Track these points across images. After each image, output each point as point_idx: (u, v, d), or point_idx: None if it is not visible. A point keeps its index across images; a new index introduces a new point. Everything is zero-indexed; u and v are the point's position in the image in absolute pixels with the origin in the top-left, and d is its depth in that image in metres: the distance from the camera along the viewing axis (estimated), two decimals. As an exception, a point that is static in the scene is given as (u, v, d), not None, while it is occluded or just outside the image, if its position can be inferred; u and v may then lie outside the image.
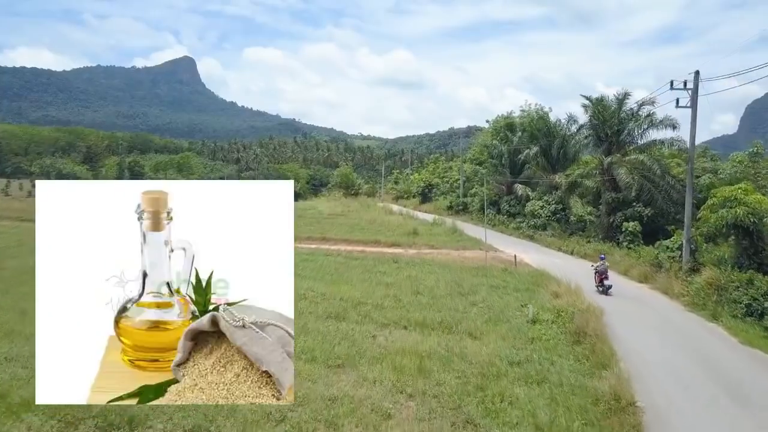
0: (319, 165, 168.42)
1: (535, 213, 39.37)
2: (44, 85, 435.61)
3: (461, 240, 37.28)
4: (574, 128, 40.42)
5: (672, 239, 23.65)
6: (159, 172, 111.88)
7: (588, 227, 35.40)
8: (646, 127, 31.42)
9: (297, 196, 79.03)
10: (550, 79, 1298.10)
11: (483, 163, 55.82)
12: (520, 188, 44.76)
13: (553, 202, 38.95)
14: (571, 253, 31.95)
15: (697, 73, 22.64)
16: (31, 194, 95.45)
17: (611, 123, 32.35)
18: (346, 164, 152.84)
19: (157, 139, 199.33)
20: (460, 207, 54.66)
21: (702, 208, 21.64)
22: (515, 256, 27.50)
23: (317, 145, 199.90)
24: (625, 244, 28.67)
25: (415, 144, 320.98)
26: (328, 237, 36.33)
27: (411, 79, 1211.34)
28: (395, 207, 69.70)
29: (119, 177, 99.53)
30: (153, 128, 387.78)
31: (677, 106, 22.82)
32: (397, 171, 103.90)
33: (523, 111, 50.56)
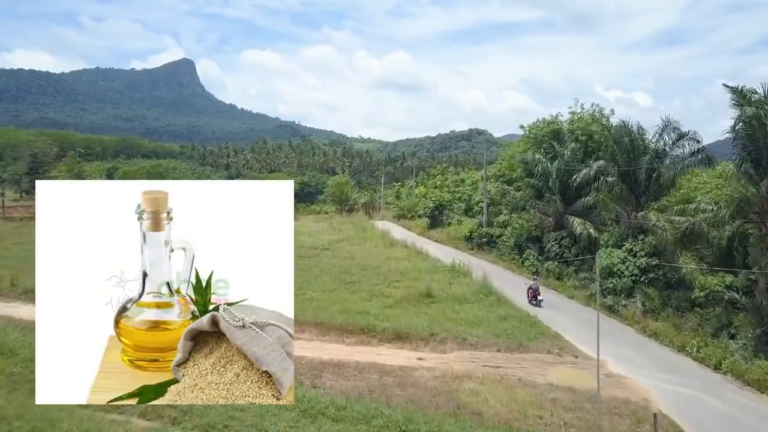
0: (315, 171, 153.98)
1: (615, 269, 25.00)
2: (42, 87, 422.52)
3: (507, 317, 22.86)
4: (663, 137, 26.23)
5: None
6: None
7: (718, 307, 20.94)
8: None
9: (280, 215, 64.58)
10: (549, 81, 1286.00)
11: (514, 182, 41.47)
12: (577, 223, 30.45)
13: (643, 253, 24.60)
14: (716, 368, 17.53)
15: None
16: (1, 204, 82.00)
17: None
18: (343, 171, 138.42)
19: (147, 143, 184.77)
20: (484, 239, 40.26)
21: None
22: (655, 415, 12.97)
23: (313, 149, 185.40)
24: None
25: (416, 147, 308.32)
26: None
27: (410, 81, 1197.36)
28: (398, 231, 55.32)
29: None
30: (151, 130, 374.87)
31: None
32: (399, 184, 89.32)
33: (572, 114, 36.23)
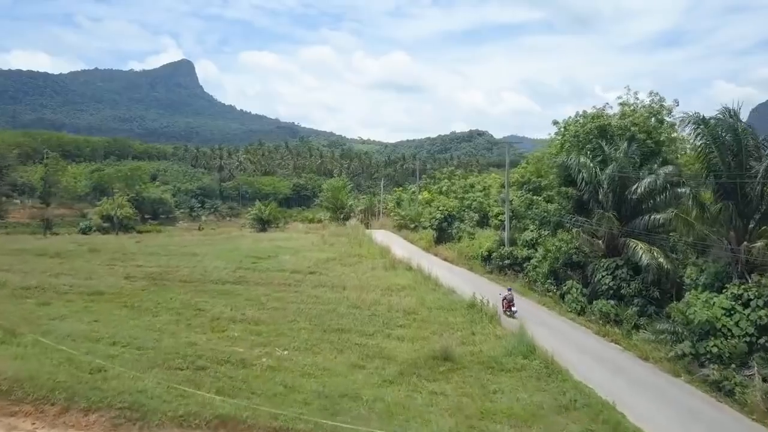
0: (312, 173, 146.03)
1: (718, 326, 16.94)
2: (40, 88, 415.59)
3: (569, 405, 14.74)
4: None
5: None
6: (100, 190, 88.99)
7: None
8: None
9: (266, 224, 56.68)
10: (548, 82, 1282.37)
11: (542, 191, 33.46)
12: (641, 249, 22.38)
13: (762, 303, 16.55)
14: None
15: None
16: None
17: None
18: (340, 173, 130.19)
19: (138, 145, 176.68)
20: (507, 261, 32.20)
21: None
22: None
23: (310, 150, 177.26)
24: None
25: (416, 148, 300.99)
26: None
27: (409, 82, 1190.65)
28: (399, 244, 47.27)
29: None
30: (150, 132, 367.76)
31: None
32: (400, 188, 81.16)
33: (623, 105, 27.94)
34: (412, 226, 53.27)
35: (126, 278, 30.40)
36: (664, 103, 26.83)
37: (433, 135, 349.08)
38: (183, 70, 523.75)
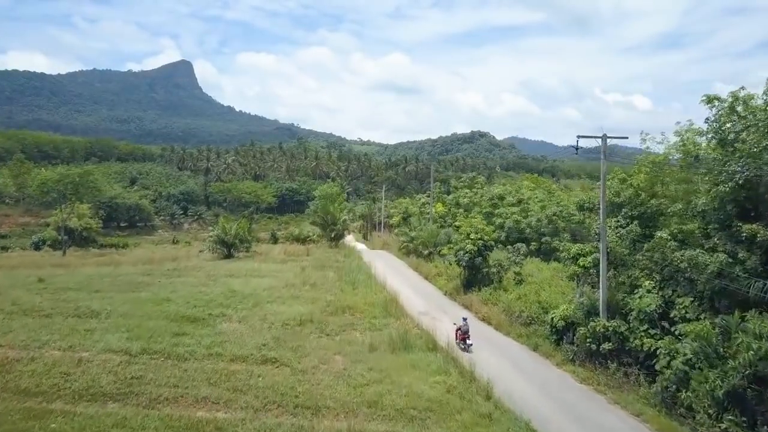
0: (306, 176, 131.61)
1: None
2: (37, 88, 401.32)
3: None
4: None
5: None
6: (47, 195, 74.60)
7: None
8: None
9: (230, 248, 42.26)
10: (547, 84, 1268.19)
11: (663, 219, 19.18)
12: None
13: None
14: None
15: None
16: None
17: None
18: (335, 178, 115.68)
19: (123, 145, 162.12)
20: (606, 347, 17.77)
21: None
22: None
23: (305, 151, 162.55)
24: None
25: (417, 150, 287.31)
26: None
27: (408, 84, 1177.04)
28: (410, 284, 33.20)
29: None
30: (147, 132, 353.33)
31: None
32: (407, 199, 66.60)
33: None
34: (426, 252, 38.96)
35: None
36: None
37: (434, 136, 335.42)
38: (181, 71, 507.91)
